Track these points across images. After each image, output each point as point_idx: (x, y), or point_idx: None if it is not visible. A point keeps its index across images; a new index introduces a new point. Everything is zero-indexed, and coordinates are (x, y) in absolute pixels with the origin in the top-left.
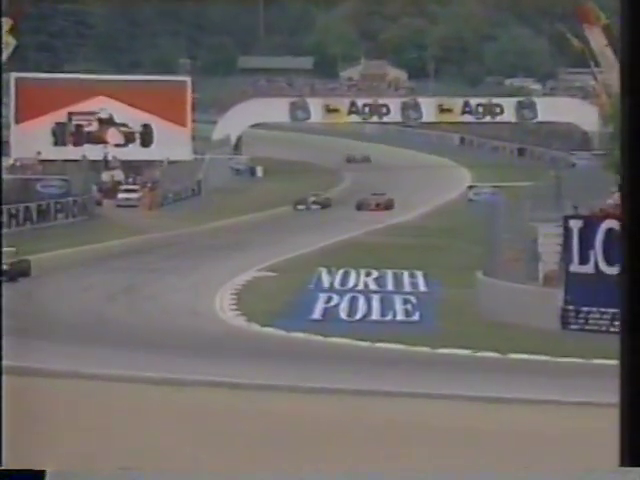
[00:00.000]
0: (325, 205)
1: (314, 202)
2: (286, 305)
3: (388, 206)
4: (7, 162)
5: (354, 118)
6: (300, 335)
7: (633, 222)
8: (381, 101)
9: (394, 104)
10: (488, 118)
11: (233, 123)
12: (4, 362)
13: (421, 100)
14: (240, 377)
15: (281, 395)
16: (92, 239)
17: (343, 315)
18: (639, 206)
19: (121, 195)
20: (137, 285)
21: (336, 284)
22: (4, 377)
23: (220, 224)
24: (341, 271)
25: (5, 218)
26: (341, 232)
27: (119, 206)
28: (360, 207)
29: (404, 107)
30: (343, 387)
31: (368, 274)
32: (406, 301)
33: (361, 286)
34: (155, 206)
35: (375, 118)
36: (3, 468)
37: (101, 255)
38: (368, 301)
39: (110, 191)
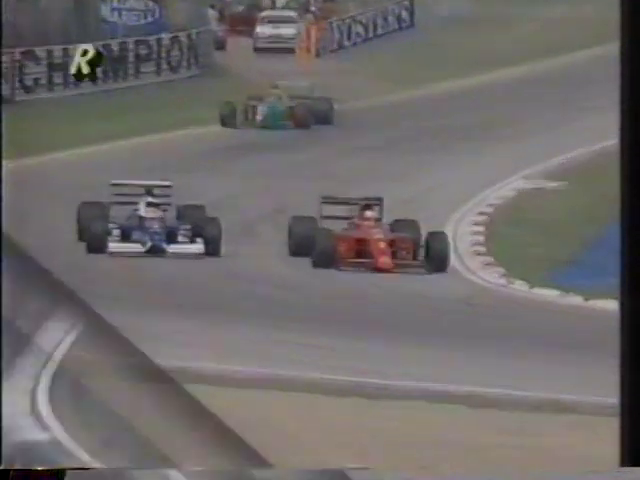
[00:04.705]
0: None
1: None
2: (585, 247)
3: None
4: None
5: None
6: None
7: (633, 222)
8: None
9: None
10: None
11: None
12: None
13: None
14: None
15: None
16: (197, 114)
17: None
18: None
19: (262, 29)
20: (289, 206)
21: None
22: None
23: (454, 85)
24: None
25: None
26: None
27: (258, 50)
28: (322, 261)
29: None
30: None
31: None
32: None
33: None
34: (323, 50)
35: None
36: (22, 468)
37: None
38: None
39: (240, 21)
